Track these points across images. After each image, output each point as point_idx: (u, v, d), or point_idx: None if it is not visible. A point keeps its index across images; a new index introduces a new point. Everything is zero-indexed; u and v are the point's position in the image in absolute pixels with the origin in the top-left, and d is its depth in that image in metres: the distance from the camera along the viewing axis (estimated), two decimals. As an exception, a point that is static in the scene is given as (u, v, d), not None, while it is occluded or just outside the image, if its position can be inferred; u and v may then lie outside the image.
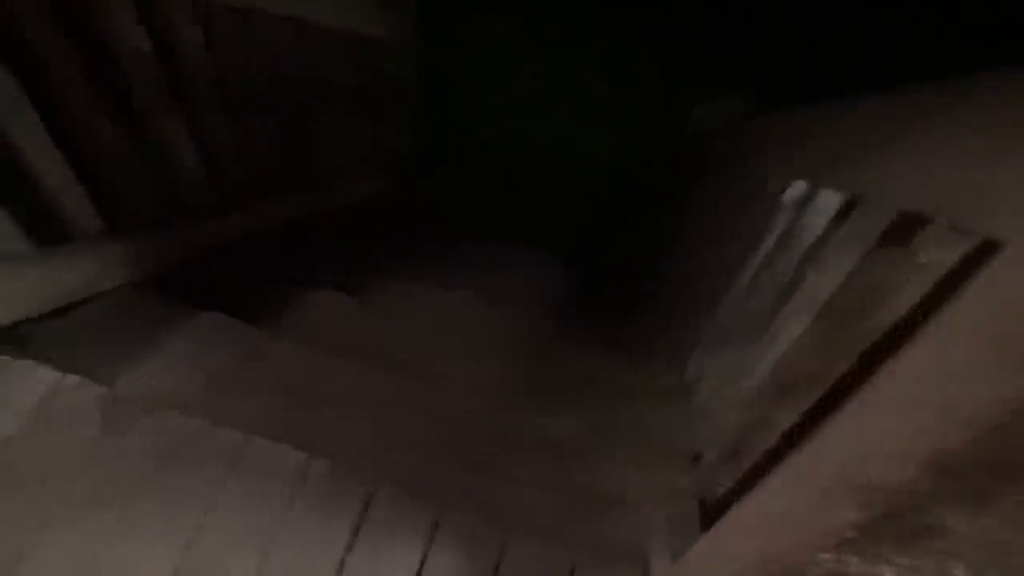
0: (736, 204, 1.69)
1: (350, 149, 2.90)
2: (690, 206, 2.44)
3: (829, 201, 0.97)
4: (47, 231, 1.40)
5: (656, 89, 3.69)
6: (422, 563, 1.08)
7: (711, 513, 1.20)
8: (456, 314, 2.12)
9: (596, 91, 3.87)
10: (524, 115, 4.02)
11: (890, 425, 0.51)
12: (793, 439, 0.90)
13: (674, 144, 3.39)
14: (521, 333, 2.07)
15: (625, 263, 3.62)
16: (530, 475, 1.41)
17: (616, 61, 3.75)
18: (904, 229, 0.73)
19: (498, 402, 1.64)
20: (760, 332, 1.22)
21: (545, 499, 1.35)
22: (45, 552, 1.02)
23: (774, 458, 0.92)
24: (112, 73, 1.47)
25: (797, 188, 1.16)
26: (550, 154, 4.09)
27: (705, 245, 1.99)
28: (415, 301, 2.14)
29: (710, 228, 2.01)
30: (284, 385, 1.44)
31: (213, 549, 1.04)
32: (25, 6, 1.22)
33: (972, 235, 0.52)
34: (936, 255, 0.65)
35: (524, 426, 1.52)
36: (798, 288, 1.08)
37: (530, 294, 2.80)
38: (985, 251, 0.49)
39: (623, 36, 3.68)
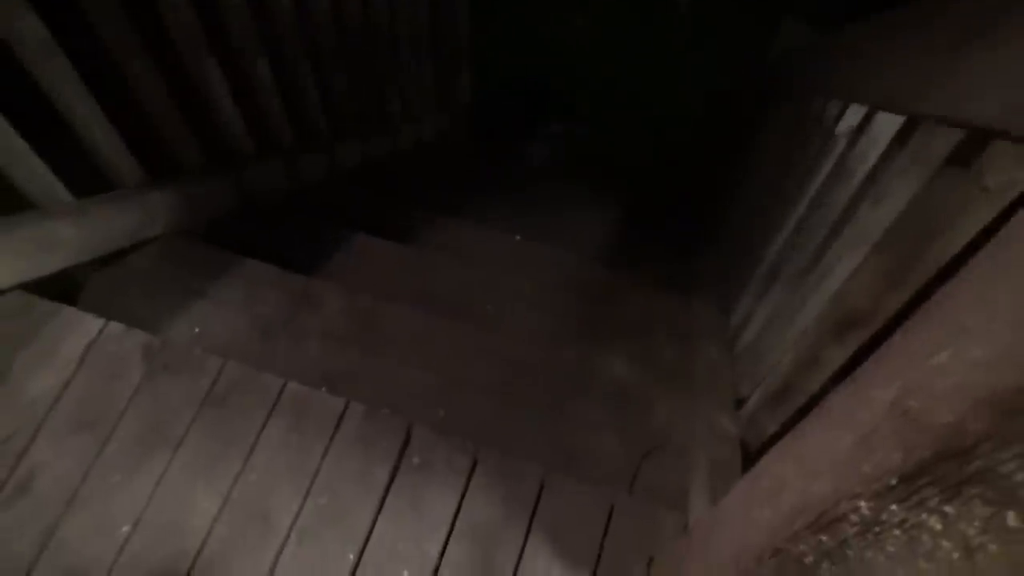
0: (796, 132, 1.59)
1: (409, 93, 2.87)
2: (760, 138, 2.31)
3: (887, 124, 0.89)
4: (88, 181, 1.43)
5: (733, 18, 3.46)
6: (460, 502, 1.08)
7: (753, 457, 1.16)
8: (513, 256, 2.11)
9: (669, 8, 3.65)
10: (585, 46, 3.85)
11: (941, 358, 0.46)
12: (839, 379, 0.85)
13: (754, 68, 3.15)
14: (579, 275, 2.04)
15: (694, 199, 3.48)
16: (583, 412, 1.40)
17: None
18: (971, 149, 0.65)
19: (555, 346, 1.62)
20: (811, 269, 1.15)
21: (596, 436, 1.34)
22: (96, 493, 1.06)
23: (818, 399, 0.87)
24: (153, 16, 1.47)
25: (854, 111, 1.07)
26: (615, 84, 3.91)
27: (765, 179, 1.89)
28: (472, 243, 2.12)
29: (771, 161, 1.90)
30: (331, 330, 1.45)
31: (254, 492, 1.07)
32: None
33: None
34: (1003, 177, 0.58)
35: (580, 370, 1.51)
36: (852, 221, 1.01)
37: (590, 234, 2.74)
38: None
39: None
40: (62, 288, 1.39)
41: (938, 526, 0.45)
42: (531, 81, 3.91)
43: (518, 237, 2.20)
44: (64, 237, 1.35)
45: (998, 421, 0.39)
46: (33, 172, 1.29)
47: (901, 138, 0.85)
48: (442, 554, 1.03)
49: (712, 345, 1.61)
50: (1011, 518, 0.40)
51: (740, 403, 1.33)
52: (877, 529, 0.50)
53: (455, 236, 2.13)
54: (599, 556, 1.05)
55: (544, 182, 3.44)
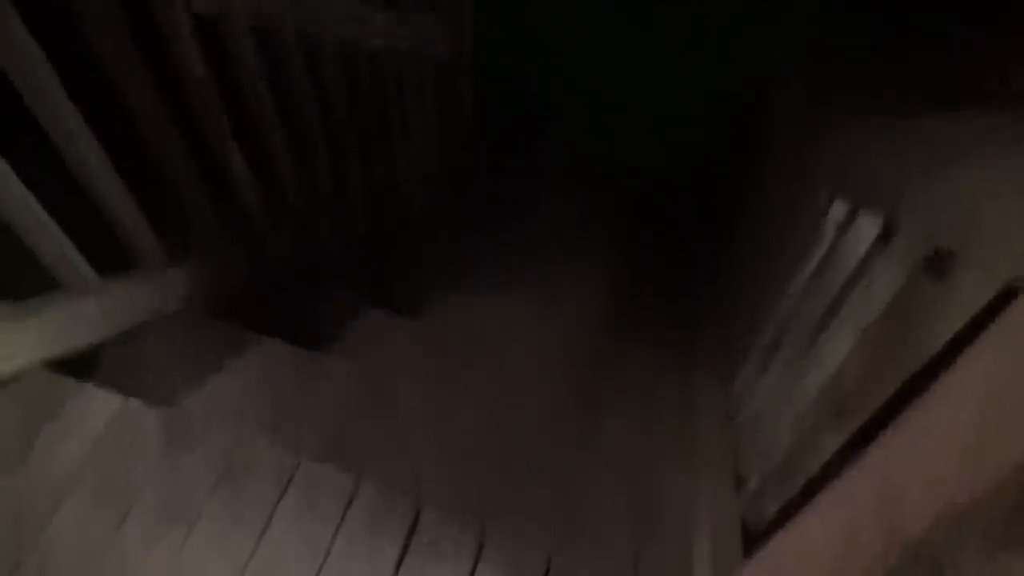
0: (789, 204, 1.65)
1: (413, 161, 2.97)
2: (757, 197, 2.37)
3: (871, 223, 0.95)
4: (111, 259, 1.49)
5: (731, 41, 3.54)
6: (469, 580, 1.10)
7: (754, 537, 1.18)
8: (513, 322, 2.15)
9: (663, 43, 3.73)
10: (583, 90, 3.94)
11: (911, 470, 0.50)
12: (831, 469, 0.89)
13: (745, 114, 3.22)
14: (582, 341, 2.09)
15: (693, 245, 3.53)
16: (587, 487, 1.42)
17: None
18: (943, 262, 0.71)
19: (560, 416, 1.66)
20: (808, 348, 1.19)
21: (600, 512, 1.36)
22: (115, 568, 1.09)
23: (818, 483, 0.91)
24: (178, 99, 1.56)
25: (842, 203, 1.14)
26: (611, 122, 4.00)
27: (762, 244, 1.94)
28: (471, 313, 2.17)
29: (764, 225, 1.97)
30: (341, 407, 1.50)
31: (269, 567, 1.09)
32: (106, 32, 1.30)
33: (999, 277, 0.51)
34: (971, 293, 0.64)
35: (582, 443, 1.54)
36: (845, 305, 1.06)
37: (594, 287, 2.79)
38: (1007, 297, 0.48)
39: None
40: (83, 363, 1.44)
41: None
42: (534, 127, 4.00)
43: (520, 299, 2.25)
44: (88, 316, 1.41)
45: (958, 533, 0.43)
46: (61, 251, 1.35)
47: (884, 236, 0.90)
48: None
49: (713, 419, 1.64)
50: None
51: (740, 479, 1.35)
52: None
53: (460, 304, 2.19)
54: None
55: (548, 231, 3.49)
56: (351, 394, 1.53)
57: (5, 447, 1.22)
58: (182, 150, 1.57)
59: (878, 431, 0.73)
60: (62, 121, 1.27)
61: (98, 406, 1.28)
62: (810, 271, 1.27)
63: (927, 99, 0.90)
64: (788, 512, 0.92)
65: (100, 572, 1.09)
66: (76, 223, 1.36)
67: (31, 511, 1.14)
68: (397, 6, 2.36)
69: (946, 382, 0.54)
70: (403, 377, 1.59)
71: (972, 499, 0.44)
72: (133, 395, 1.31)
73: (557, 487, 1.42)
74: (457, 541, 1.14)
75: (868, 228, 0.96)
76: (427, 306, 2.18)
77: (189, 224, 1.71)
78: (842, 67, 1.70)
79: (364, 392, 1.54)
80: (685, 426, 1.71)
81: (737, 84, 3.44)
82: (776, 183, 1.99)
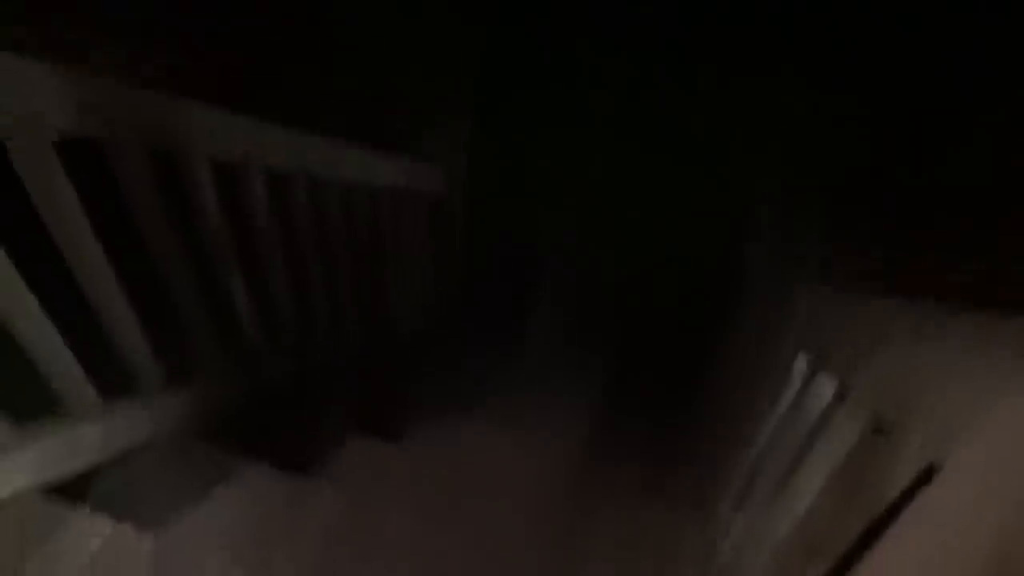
0: (762, 352, 1.77)
1: (402, 291, 3.12)
2: (731, 335, 2.50)
3: (830, 382, 1.07)
4: (113, 381, 1.55)
5: (711, 204, 3.77)
6: None
7: None
8: (497, 452, 2.20)
9: (646, 204, 3.96)
10: (568, 241, 4.15)
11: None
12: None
13: (721, 270, 3.41)
14: (562, 471, 2.13)
15: (675, 381, 3.61)
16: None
17: (670, 169, 3.84)
18: (886, 426, 0.82)
19: (539, 556, 1.68)
20: (780, 490, 1.27)
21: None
22: None
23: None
24: (191, 235, 1.69)
25: (804, 360, 1.26)
26: (594, 271, 4.17)
27: (737, 387, 2.05)
28: (457, 440, 2.23)
29: (740, 369, 2.08)
30: (327, 535, 1.53)
31: None
32: (136, 183, 1.44)
33: (924, 455, 0.61)
34: (911, 455, 0.74)
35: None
36: (810, 452, 1.15)
37: (574, 418, 2.85)
38: (928, 474, 0.58)
39: (677, 146, 3.78)
40: (76, 489, 1.47)
41: None
42: (522, 263, 4.17)
43: (503, 430, 2.31)
44: (88, 440, 1.45)
45: None
46: (69, 374, 1.41)
47: (839, 395, 1.02)
48: None
49: (695, 558, 1.68)
50: None
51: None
52: None
53: (447, 431, 2.24)
54: None
55: (534, 362, 3.58)
56: (336, 519, 1.56)
57: (-5, 571, 1.23)
58: (191, 282, 1.68)
59: (846, 571, 0.82)
60: (87, 256, 1.38)
61: (89, 531, 1.30)
62: (780, 418, 1.37)
63: (879, 287, 1.05)
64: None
65: None
66: (83, 346, 1.43)
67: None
68: (396, 152, 2.58)
69: (894, 534, 0.63)
70: (388, 508, 1.63)
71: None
72: (124, 518, 1.33)
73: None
74: None
75: (827, 387, 1.07)
76: (413, 432, 2.23)
77: (189, 349, 1.78)
78: (810, 249, 1.89)
79: (349, 518, 1.57)
80: (667, 567, 1.74)
81: (719, 238, 3.68)
82: (752, 331, 2.13)
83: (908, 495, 0.63)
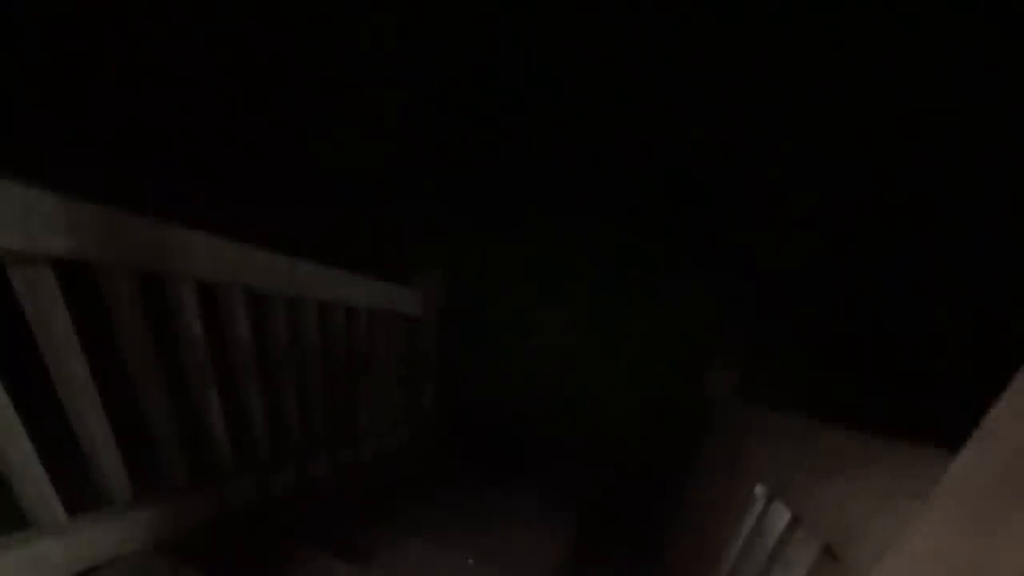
0: (721, 489, 1.81)
1: (376, 409, 3.12)
2: (691, 481, 2.55)
3: (782, 512, 1.12)
4: (82, 495, 1.53)
5: (673, 348, 3.92)
6: None
7: None
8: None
9: (612, 346, 4.10)
10: (538, 379, 4.24)
11: None
12: None
13: (686, 408, 3.50)
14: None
15: (642, 519, 3.59)
16: None
17: (634, 317, 4.01)
18: (834, 551, 0.86)
19: None
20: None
21: None
22: None
23: None
24: (167, 348, 1.72)
25: (761, 491, 1.31)
26: (564, 409, 4.24)
27: (698, 528, 2.07)
28: (428, 567, 2.18)
29: (702, 511, 2.11)
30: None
31: None
32: (119, 290, 1.48)
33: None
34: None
35: None
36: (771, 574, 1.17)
37: (540, 554, 2.79)
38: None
39: (641, 294, 3.98)
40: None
41: None
42: (493, 399, 4.23)
43: (471, 560, 2.27)
44: (51, 556, 1.41)
45: None
46: (39, 489, 1.40)
47: (794, 522, 1.06)
48: None
49: None
50: None
51: None
52: None
53: (414, 559, 2.20)
54: None
55: (502, 491, 3.54)
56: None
57: None
58: (166, 397, 1.70)
59: None
60: (72, 372, 1.41)
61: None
62: (742, 544, 1.40)
63: (828, 418, 1.12)
64: None
65: None
66: (53, 459, 1.42)
67: None
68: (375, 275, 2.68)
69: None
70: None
71: None
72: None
73: None
74: None
75: (783, 515, 1.12)
76: (381, 557, 2.19)
77: (160, 464, 1.77)
78: (766, 391, 2.00)
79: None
80: None
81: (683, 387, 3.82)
82: (715, 466, 2.18)
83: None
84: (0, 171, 1.15)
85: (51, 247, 1.26)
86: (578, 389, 4.25)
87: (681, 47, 3.44)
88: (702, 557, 1.84)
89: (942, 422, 0.92)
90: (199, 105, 3.66)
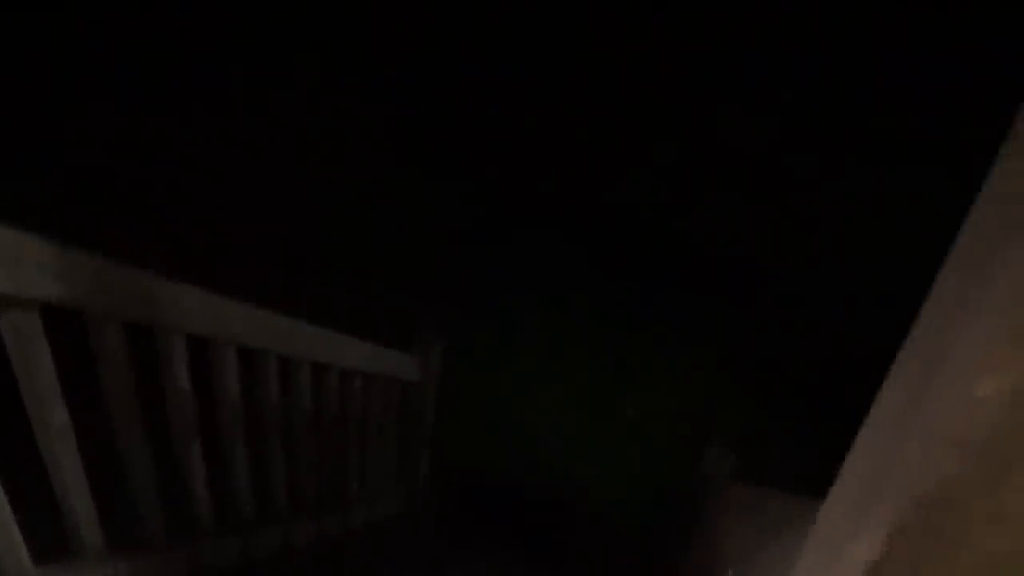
0: (700, 563, 1.75)
1: (369, 477, 3.08)
2: (683, 557, 2.46)
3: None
4: (53, 543, 1.52)
5: (674, 427, 3.87)
6: None
7: None
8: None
9: (612, 422, 4.06)
10: (534, 444, 4.17)
11: None
12: None
13: (685, 485, 3.44)
14: None
15: None
16: None
17: (635, 394, 3.99)
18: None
19: None
20: None
21: None
22: None
23: None
24: (154, 399, 1.73)
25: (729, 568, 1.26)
26: (562, 484, 4.15)
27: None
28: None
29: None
30: None
31: None
32: (106, 339, 1.51)
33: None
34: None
35: None
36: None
37: None
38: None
39: (642, 371, 3.97)
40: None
41: None
42: (490, 472, 4.16)
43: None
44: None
45: None
46: (5, 535, 1.38)
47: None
48: None
49: None
50: None
51: None
52: None
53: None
54: None
55: (501, 563, 3.45)
56: None
57: None
58: (148, 449, 1.70)
59: None
60: (52, 419, 1.42)
61: None
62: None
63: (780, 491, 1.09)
64: None
65: None
66: (26, 507, 1.42)
67: None
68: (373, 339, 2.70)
69: None
70: None
71: None
72: None
73: None
74: None
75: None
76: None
77: (136, 519, 1.76)
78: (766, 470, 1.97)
79: None
80: None
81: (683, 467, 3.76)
82: (702, 547, 2.12)
83: None
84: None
85: (40, 292, 1.30)
86: (577, 465, 4.17)
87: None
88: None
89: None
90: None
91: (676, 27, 3.25)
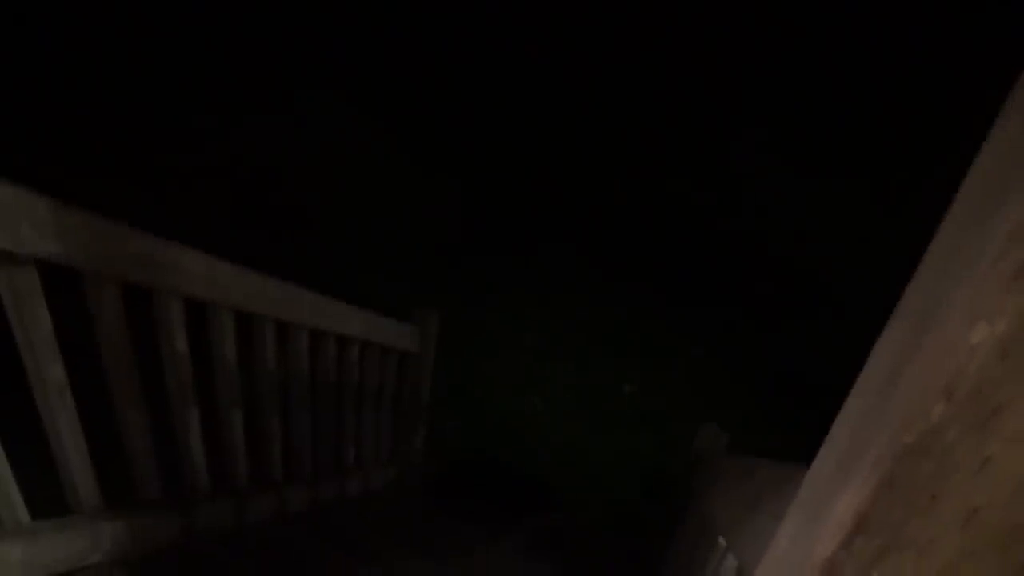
0: (693, 544, 1.77)
1: (364, 445, 3.10)
2: (676, 532, 2.48)
3: (733, 561, 1.09)
4: (47, 499, 1.53)
5: (672, 406, 3.89)
6: None
7: None
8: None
9: (610, 402, 4.08)
10: (531, 424, 4.20)
11: None
12: None
13: (679, 462, 3.46)
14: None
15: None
16: None
17: (633, 375, 4.01)
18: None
19: None
20: None
21: None
22: None
23: None
24: (152, 362, 1.74)
25: (722, 543, 1.27)
26: (564, 461, 4.18)
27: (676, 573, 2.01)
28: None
29: (681, 557, 2.05)
30: None
31: None
32: (104, 299, 1.51)
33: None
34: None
35: None
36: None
37: None
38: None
39: (642, 352, 3.99)
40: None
41: None
42: (483, 448, 4.19)
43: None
44: (8, 557, 1.40)
45: None
46: (1, 488, 1.40)
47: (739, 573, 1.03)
48: None
49: None
50: None
51: None
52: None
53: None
54: None
55: (487, 544, 3.46)
56: None
57: None
58: (144, 409, 1.71)
59: None
60: (49, 376, 1.42)
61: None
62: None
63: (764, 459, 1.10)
64: None
65: None
66: (25, 463, 1.43)
67: None
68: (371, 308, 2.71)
69: None
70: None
71: None
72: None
73: None
74: None
75: (732, 566, 1.09)
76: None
77: (133, 480, 1.77)
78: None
79: None
80: None
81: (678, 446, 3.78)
82: (692, 522, 2.14)
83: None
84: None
85: (36, 249, 1.30)
86: (573, 443, 4.19)
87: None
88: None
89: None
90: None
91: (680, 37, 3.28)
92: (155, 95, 3.69)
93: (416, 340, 3.25)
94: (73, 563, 1.57)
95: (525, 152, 3.92)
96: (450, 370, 3.68)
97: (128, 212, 1.51)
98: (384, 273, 3.87)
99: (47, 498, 1.54)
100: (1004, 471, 0.39)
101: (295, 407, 2.39)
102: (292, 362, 2.29)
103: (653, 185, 3.85)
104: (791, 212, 3.51)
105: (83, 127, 3.57)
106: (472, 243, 4.07)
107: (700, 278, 3.82)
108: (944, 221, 0.47)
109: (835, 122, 3.22)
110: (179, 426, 1.88)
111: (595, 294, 4.06)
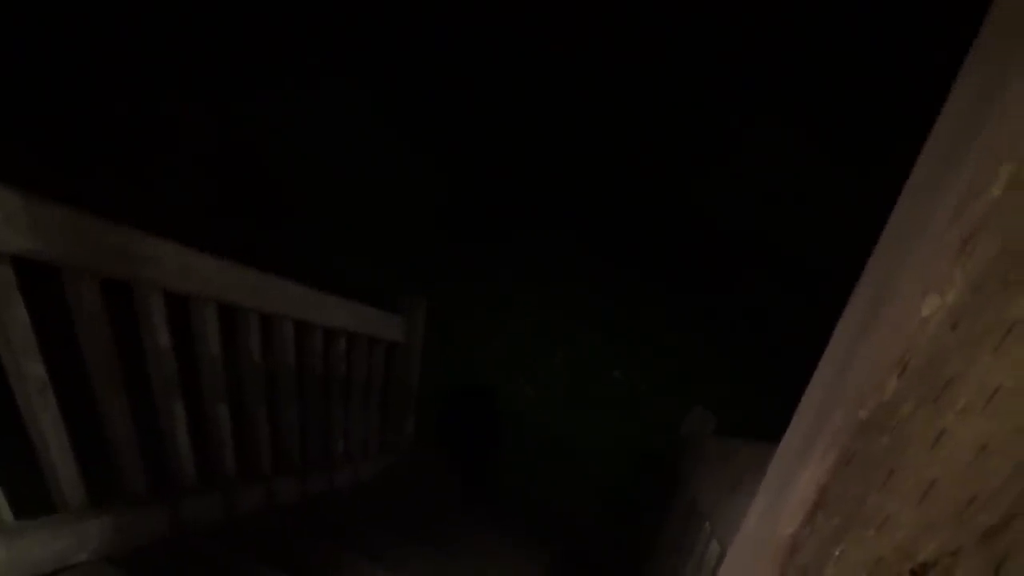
0: (681, 528, 1.78)
1: (354, 436, 3.10)
2: (665, 518, 2.49)
3: (716, 545, 1.09)
4: (32, 497, 1.52)
5: (661, 390, 3.89)
6: None
7: None
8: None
9: (600, 387, 4.08)
10: (522, 411, 4.20)
11: None
12: None
13: (668, 451, 3.48)
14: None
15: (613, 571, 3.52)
16: None
17: (623, 360, 4.01)
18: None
19: None
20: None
21: None
22: None
23: None
24: (135, 356, 1.73)
25: (708, 527, 1.28)
26: (555, 443, 4.18)
27: (665, 560, 2.02)
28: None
29: (669, 544, 2.06)
30: None
31: None
32: (82, 293, 1.50)
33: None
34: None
35: None
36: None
37: None
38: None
39: (632, 337, 3.98)
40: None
41: None
42: (474, 433, 4.19)
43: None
44: (-2, 560, 1.40)
45: None
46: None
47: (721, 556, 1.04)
48: None
49: None
50: None
51: None
52: None
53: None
54: None
55: (479, 531, 3.47)
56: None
57: None
58: (127, 404, 1.70)
59: None
60: (27, 372, 1.41)
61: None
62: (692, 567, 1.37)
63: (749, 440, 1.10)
64: None
65: None
66: (7, 462, 1.42)
67: None
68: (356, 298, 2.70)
69: None
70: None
71: None
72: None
73: None
74: None
75: (715, 550, 1.09)
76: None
77: (118, 476, 1.76)
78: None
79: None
80: None
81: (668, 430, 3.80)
82: (678, 505, 2.15)
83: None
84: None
85: (10, 244, 1.28)
86: (563, 428, 4.20)
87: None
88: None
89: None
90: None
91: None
92: (133, 80, 3.63)
93: (404, 328, 3.25)
94: (59, 562, 1.57)
95: (514, 136, 3.89)
96: (438, 357, 3.67)
97: (107, 203, 1.49)
98: (371, 258, 3.85)
99: (32, 497, 1.54)
100: (959, 443, 0.39)
101: (282, 399, 2.38)
102: (278, 354, 2.28)
103: (643, 172, 3.83)
104: (787, 200, 3.50)
105: (60, 115, 3.53)
106: (460, 229, 4.05)
107: (692, 264, 3.82)
108: (903, 192, 0.47)
109: (835, 112, 3.21)
110: (165, 419, 1.87)
111: (585, 281, 4.05)
